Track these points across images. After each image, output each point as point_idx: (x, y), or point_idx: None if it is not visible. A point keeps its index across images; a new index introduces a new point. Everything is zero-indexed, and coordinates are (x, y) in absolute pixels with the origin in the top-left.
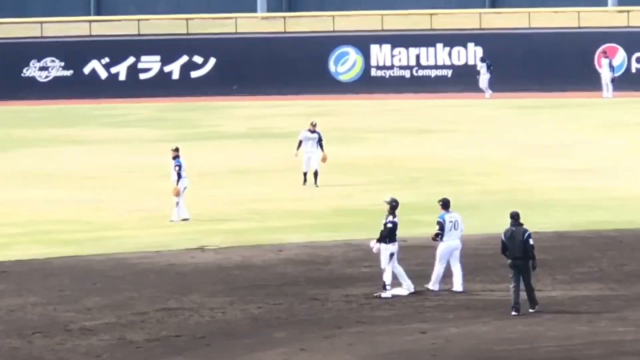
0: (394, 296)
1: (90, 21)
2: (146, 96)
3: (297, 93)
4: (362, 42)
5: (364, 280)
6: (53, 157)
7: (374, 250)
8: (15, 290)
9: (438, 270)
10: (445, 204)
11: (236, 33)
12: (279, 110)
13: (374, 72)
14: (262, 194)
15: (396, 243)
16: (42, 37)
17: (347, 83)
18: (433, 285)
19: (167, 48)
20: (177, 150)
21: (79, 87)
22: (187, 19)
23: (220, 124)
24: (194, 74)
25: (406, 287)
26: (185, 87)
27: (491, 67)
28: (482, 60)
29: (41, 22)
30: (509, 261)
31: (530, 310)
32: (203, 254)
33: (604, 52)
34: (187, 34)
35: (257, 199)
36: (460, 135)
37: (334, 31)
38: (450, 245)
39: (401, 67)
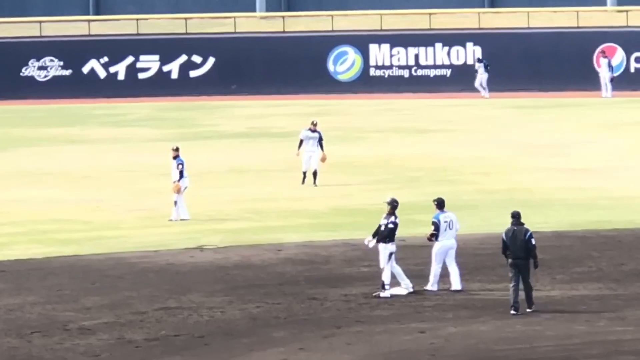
0: (392, 296)
1: (89, 21)
2: (145, 95)
3: (296, 93)
4: (361, 42)
5: (362, 280)
6: (52, 157)
7: (370, 245)
8: (14, 290)
9: (435, 270)
10: (440, 204)
11: (235, 33)
12: (277, 109)
13: (372, 72)
14: (261, 193)
15: (394, 243)
16: (41, 36)
17: (346, 83)
18: (432, 286)
19: (166, 47)
20: (177, 150)
21: (78, 86)
22: (186, 19)
23: (219, 123)
24: (193, 74)
25: (405, 286)
26: (184, 86)
27: (488, 67)
28: (480, 60)
29: (40, 22)
30: (509, 261)
31: (528, 310)
32: (202, 253)
33: (603, 51)
34: (186, 33)
35: (256, 198)
36: (459, 135)
37: (332, 31)
38: (445, 245)
39: (400, 67)
